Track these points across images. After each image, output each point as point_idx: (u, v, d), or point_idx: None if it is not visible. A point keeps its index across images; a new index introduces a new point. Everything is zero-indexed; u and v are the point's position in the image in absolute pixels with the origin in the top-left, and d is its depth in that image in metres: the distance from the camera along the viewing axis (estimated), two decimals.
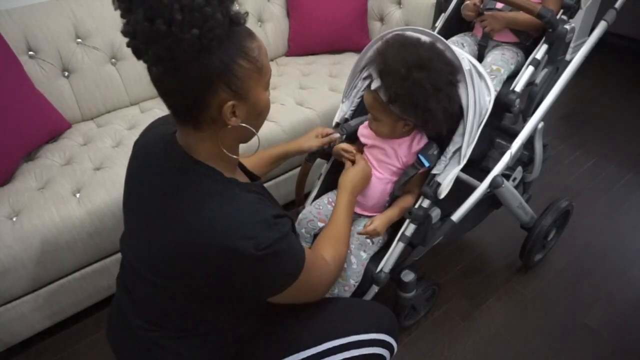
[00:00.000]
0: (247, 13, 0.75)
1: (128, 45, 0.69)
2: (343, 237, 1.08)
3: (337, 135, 1.28)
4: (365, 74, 1.31)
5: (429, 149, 1.20)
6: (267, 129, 1.77)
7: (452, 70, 1.08)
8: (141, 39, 0.67)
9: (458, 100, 1.11)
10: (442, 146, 1.21)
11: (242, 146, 0.91)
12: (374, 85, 1.11)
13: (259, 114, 0.84)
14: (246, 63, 0.74)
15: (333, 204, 1.37)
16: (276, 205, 0.91)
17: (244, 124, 0.80)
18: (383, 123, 1.17)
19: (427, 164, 1.19)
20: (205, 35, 0.66)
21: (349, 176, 1.19)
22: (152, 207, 0.85)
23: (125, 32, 0.68)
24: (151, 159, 0.89)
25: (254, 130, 0.84)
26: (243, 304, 0.93)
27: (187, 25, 0.65)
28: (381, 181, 1.25)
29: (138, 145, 0.96)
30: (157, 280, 0.85)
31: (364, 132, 1.29)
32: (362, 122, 1.32)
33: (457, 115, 1.14)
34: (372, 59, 1.16)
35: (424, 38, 1.13)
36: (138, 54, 0.69)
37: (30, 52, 1.71)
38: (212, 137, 0.80)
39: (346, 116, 1.42)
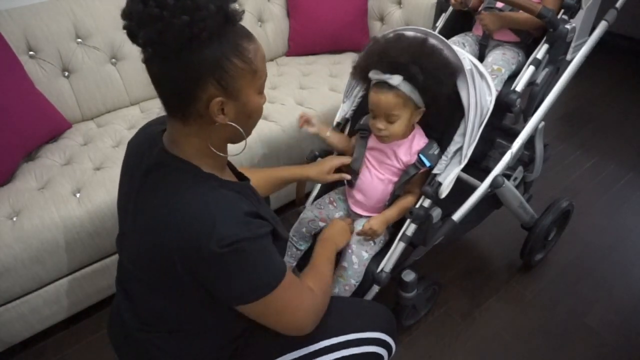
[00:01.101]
0: (243, 11, 0.75)
1: (124, 27, 0.70)
2: (326, 276, 1.05)
3: (348, 177, 1.28)
4: None
5: (429, 148, 1.20)
6: (267, 128, 1.77)
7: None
8: (135, 21, 0.68)
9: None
10: (443, 146, 1.21)
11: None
12: (395, 81, 1.09)
13: (248, 116, 0.82)
14: (240, 62, 0.74)
15: (334, 204, 1.37)
16: (259, 207, 0.87)
17: (232, 123, 0.79)
18: (401, 121, 1.15)
19: (428, 164, 1.19)
20: (196, 23, 0.66)
21: (330, 232, 1.21)
22: (136, 205, 0.85)
23: (122, 14, 0.69)
24: (139, 158, 0.89)
25: (242, 132, 0.82)
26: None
27: (179, 10, 0.65)
28: (382, 182, 1.25)
29: (131, 145, 0.95)
30: (149, 280, 0.85)
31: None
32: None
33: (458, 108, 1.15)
34: (372, 61, 1.14)
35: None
36: (131, 36, 0.70)
37: (31, 52, 1.71)
38: (198, 133, 0.80)
39: (347, 116, 1.42)
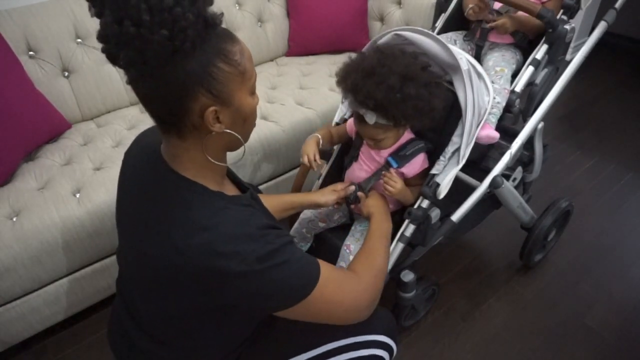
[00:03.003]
0: (222, 14, 0.73)
1: (102, 50, 0.67)
2: (378, 251, 1.03)
3: (353, 187, 1.27)
4: None
5: (404, 148, 1.20)
6: (267, 129, 1.77)
7: (415, 57, 1.10)
8: (112, 43, 0.65)
9: (442, 80, 1.11)
10: (441, 147, 1.21)
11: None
12: (371, 120, 1.09)
13: (244, 120, 0.80)
14: (226, 66, 0.71)
15: (334, 204, 1.37)
16: (269, 217, 0.86)
17: (229, 131, 0.77)
18: (388, 139, 1.17)
19: (394, 165, 1.19)
20: (176, 36, 0.64)
21: (371, 204, 1.18)
22: (138, 221, 0.83)
23: (98, 37, 0.66)
24: (138, 171, 0.87)
25: (240, 138, 0.80)
26: (241, 318, 0.91)
27: (156, 26, 0.62)
28: (367, 174, 1.26)
29: (128, 155, 0.94)
30: (154, 297, 0.84)
31: (352, 127, 1.29)
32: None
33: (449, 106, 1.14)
34: (347, 89, 1.11)
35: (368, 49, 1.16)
36: (112, 59, 0.67)
37: (30, 52, 1.71)
38: (196, 146, 0.78)
39: (346, 116, 1.42)
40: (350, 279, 0.92)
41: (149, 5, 0.62)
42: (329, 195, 1.27)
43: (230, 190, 0.89)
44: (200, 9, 0.67)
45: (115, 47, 0.65)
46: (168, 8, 0.63)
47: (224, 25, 0.75)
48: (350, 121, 1.33)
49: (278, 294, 0.79)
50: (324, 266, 0.85)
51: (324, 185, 1.45)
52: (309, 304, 0.81)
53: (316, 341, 0.98)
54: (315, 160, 1.26)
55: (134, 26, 0.62)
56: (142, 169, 0.86)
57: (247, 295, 0.77)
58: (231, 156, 0.87)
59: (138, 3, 0.62)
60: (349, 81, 1.09)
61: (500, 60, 1.41)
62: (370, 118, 1.08)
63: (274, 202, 1.24)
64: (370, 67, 1.06)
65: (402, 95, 1.03)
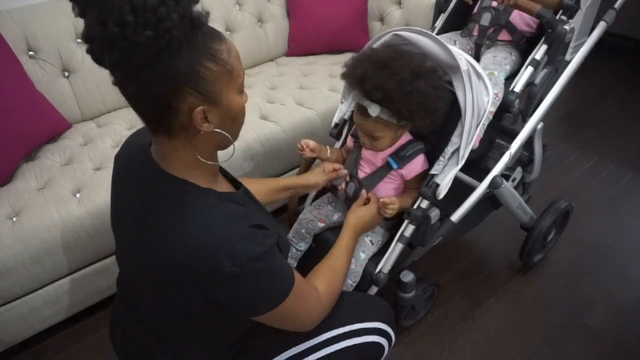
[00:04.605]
0: (208, 13, 0.71)
1: (87, 51, 0.65)
2: (340, 271, 1.05)
3: (345, 171, 1.28)
4: None
5: (404, 149, 1.21)
6: (267, 129, 1.77)
7: (424, 60, 1.11)
8: (97, 44, 0.64)
9: (444, 82, 1.13)
10: (441, 147, 1.21)
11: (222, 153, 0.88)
12: (374, 112, 1.09)
13: (233, 119, 0.79)
14: (214, 65, 0.71)
15: (333, 204, 1.37)
16: (261, 216, 0.87)
17: (218, 130, 0.77)
18: (385, 138, 1.17)
19: (395, 166, 1.19)
20: (161, 37, 0.63)
21: (360, 216, 1.18)
22: (132, 223, 0.83)
23: (83, 38, 0.65)
24: (130, 173, 0.87)
25: (229, 137, 0.80)
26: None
27: (140, 27, 0.61)
28: None
29: (118, 159, 0.94)
30: (153, 295, 0.84)
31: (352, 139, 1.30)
32: None
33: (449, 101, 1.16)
34: (354, 79, 1.12)
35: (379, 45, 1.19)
36: (97, 60, 0.66)
37: (30, 52, 1.71)
38: (185, 145, 0.77)
39: (345, 117, 1.42)
40: (315, 294, 0.94)
41: (133, 6, 0.61)
42: (319, 176, 1.28)
43: (223, 187, 0.89)
44: (185, 9, 0.66)
45: (99, 48, 0.64)
46: (152, 8, 0.62)
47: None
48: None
49: (258, 298, 0.80)
50: (297, 276, 0.85)
51: (321, 191, 1.45)
52: (280, 309, 0.82)
53: (316, 330, 0.98)
54: (308, 147, 1.28)
55: (118, 27, 0.61)
56: (133, 170, 0.86)
57: (232, 297, 0.78)
58: (224, 156, 0.87)
59: (121, 4, 0.60)
60: (359, 70, 1.10)
61: (490, 63, 1.40)
62: (374, 110, 1.09)
63: (265, 185, 1.25)
64: (385, 59, 1.08)
65: (412, 89, 1.05)
